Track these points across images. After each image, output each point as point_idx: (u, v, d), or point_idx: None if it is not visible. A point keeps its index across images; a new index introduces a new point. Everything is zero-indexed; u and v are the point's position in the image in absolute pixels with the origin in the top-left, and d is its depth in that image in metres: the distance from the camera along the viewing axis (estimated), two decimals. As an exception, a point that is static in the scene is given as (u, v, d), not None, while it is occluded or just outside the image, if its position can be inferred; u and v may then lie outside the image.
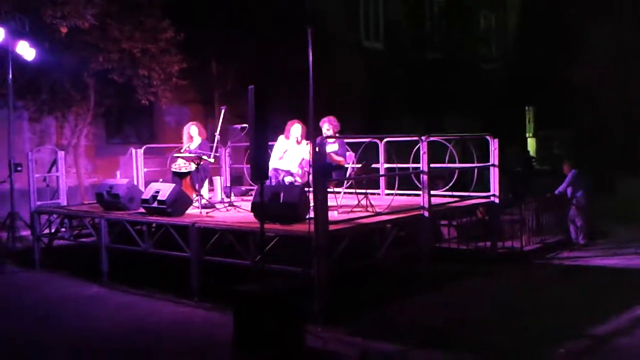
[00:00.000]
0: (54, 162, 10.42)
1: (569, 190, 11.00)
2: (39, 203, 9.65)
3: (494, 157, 9.11)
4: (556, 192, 11.14)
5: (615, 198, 15.14)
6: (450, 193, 9.24)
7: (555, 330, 6.15)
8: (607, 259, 9.70)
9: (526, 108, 22.69)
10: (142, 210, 8.38)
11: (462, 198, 9.16)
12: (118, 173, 11.94)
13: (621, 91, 18.21)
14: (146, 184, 9.62)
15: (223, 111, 9.16)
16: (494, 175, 9.11)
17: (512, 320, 6.58)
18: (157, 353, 5.89)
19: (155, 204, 8.04)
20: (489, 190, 9.17)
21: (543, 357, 5.49)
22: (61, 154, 10.09)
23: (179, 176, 9.27)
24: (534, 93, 20.10)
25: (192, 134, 9.51)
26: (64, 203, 9.83)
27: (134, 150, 10.39)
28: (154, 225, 8.14)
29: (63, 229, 9.51)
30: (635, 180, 15.94)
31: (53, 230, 9.59)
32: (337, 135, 8.66)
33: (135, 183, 9.76)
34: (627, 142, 18.18)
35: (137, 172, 10.25)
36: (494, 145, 9.12)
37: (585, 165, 11.54)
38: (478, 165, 9.41)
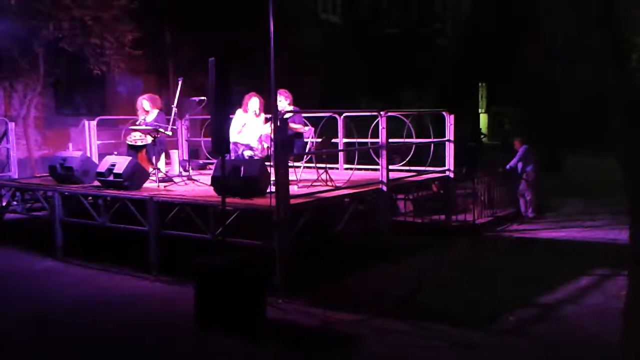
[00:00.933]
0: (4, 134, 10.11)
1: (519, 165, 11.34)
2: (-12, 176, 9.37)
3: (449, 133, 9.30)
4: (507, 167, 11.47)
5: (563, 174, 15.71)
6: (407, 168, 9.40)
7: (505, 299, 6.42)
8: (554, 232, 10.10)
9: (479, 84, 23.11)
10: (96, 183, 8.23)
11: (419, 173, 9.34)
12: (70, 145, 11.62)
13: (571, 71, 18.74)
14: (99, 157, 9.43)
15: (180, 83, 9.01)
16: (449, 150, 9.30)
17: (465, 290, 6.83)
18: (115, 328, 5.85)
19: (111, 178, 7.91)
20: (444, 165, 9.38)
21: (494, 324, 5.73)
22: (11, 125, 9.78)
23: (135, 149, 9.12)
24: (487, 70, 20.48)
25: (145, 108, 9.29)
26: (15, 176, 9.56)
27: (86, 122, 10.13)
28: (109, 198, 8.02)
29: (15, 203, 9.26)
30: (581, 157, 16.55)
31: (4, 204, 9.33)
32: (292, 107, 8.67)
33: (89, 155, 9.55)
34: (575, 121, 18.79)
35: (90, 145, 10.01)
36: (449, 121, 9.30)
37: (535, 142, 11.89)
38: (434, 140, 9.59)
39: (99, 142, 10.11)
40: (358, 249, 8.48)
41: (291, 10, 14.94)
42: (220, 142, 6.17)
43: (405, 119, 9.43)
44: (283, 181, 6.31)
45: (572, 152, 17.26)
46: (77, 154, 8.86)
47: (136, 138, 9.02)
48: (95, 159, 9.57)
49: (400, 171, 9.28)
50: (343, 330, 5.67)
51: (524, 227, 10.52)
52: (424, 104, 16.55)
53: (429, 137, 9.69)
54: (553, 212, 11.74)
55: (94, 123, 10.06)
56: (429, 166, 9.52)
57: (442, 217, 9.69)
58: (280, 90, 8.61)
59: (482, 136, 20.94)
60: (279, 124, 6.35)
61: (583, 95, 17.97)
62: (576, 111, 18.52)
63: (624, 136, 4.14)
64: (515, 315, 5.91)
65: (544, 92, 19.53)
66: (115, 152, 9.22)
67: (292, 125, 8.50)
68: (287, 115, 8.35)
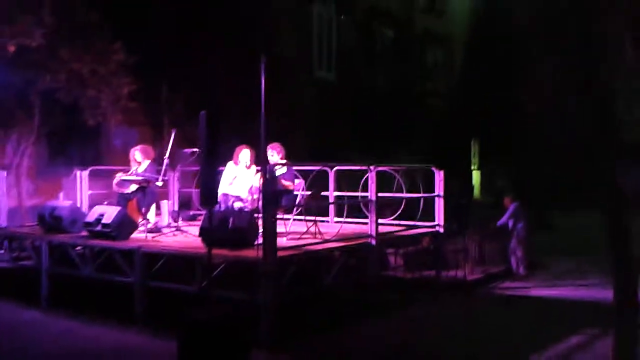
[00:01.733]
0: (-5, 182, 10.10)
1: (510, 223, 11.35)
2: (-23, 224, 9.31)
3: (439, 188, 9.35)
4: (498, 223, 11.47)
5: (555, 231, 15.71)
6: (397, 222, 9.41)
7: (495, 358, 6.30)
8: (546, 290, 10.02)
9: (471, 142, 23.36)
10: (85, 233, 8.19)
11: (409, 227, 9.33)
12: (61, 195, 11.60)
13: (561, 128, 19.02)
14: (90, 207, 9.40)
15: (173, 134, 9.09)
16: (439, 205, 9.33)
17: (454, 348, 6.71)
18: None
19: (99, 227, 7.88)
20: (434, 220, 9.38)
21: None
22: (2, 174, 9.79)
23: (125, 199, 9.13)
24: (479, 126, 20.75)
25: (137, 159, 9.35)
26: (4, 224, 9.51)
27: (78, 172, 10.15)
28: (96, 249, 7.97)
29: (1, 251, 9.18)
30: (572, 215, 16.58)
31: (-9, 252, 9.25)
32: (285, 161, 8.75)
33: (79, 205, 9.53)
34: (565, 178, 18.94)
35: (81, 194, 10.01)
36: (439, 177, 9.37)
37: (526, 199, 11.94)
38: (424, 195, 9.64)
39: (90, 191, 10.11)
40: (347, 302, 8.37)
41: (286, 67, 15.25)
42: (209, 194, 6.18)
43: (395, 174, 9.50)
44: (270, 233, 6.29)
45: (564, 209, 17.31)
46: (67, 203, 8.85)
47: (121, 184, 9.00)
48: (86, 208, 9.55)
49: (390, 225, 9.27)
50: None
51: (515, 285, 10.44)
52: (417, 160, 16.69)
53: (419, 192, 9.74)
54: (544, 270, 11.67)
55: (85, 173, 10.08)
56: (420, 221, 9.52)
57: (433, 272, 9.63)
58: (273, 144, 8.70)
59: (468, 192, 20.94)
60: (268, 177, 6.39)
61: (572, 150, 18.17)
62: (567, 168, 18.67)
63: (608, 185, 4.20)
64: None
65: (534, 149, 19.77)
66: (106, 202, 9.21)
67: (283, 182, 8.55)
68: (278, 173, 8.41)
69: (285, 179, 8.65)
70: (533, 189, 17.20)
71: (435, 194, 9.35)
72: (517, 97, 19.80)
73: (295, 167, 8.97)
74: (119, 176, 9.06)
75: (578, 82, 4.50)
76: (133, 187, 8.87)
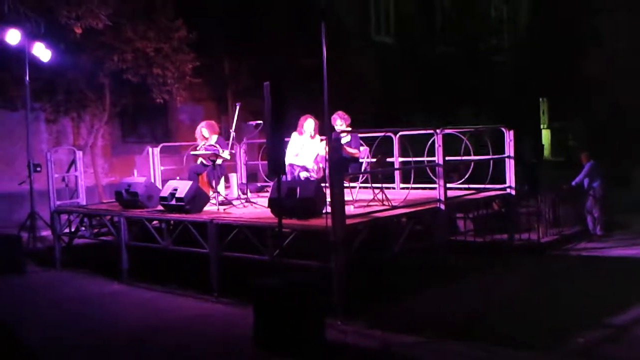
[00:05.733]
0: (72, 162, 10.55)
1: (586, 181, 10.97)
2: (58, 203, 9.77)
3: (509, 149, 9.10)
4: (573, 183, 11.11)
5: (631, 189, 15.07)
6: (466, 186, 9.24)
7: (574, 320, 6.17)
8: (625, 250, 9.67)
9: (540, 100, 22.55)
10: (160, 207, 8.47)
11: (478, 190, 9.15)
12: (135, 171, 12.02)
13: (635, 82, 18.07)
14: (163, 182, 9.70)
15: (237, 108, 9.20)
16: (510, 167, 9.09)
17: (530, 311, 6.60)
18: (179, 349, 5.96)
19: (173, 202, 8.12)
20: (505, 182, 9.16)
21: (562, 346, 5.50)
22: (79, 153, 10.20)
23: (194, 172, 9.36)
24: (547, 84, 19.97)
25: (205, 135, 9.51)
26: (83, 202, 9.95)
27: (150, 149, 10.47)
28: (172, 222, 8.23)
29: (83, 228, 9.62)
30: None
31: (73, 230, 9.71)
32: (350, 128, 8.71)
33: (153, 181, 9.85)
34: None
35: (154, 171, 10.34)
36: (509, 137, 9.11)
37: (601, 157, 11.48)
38: (493, 157, 9.40)
39: (162, 167, 10.43)
40: (417, 269, 8.34)
41: (345, 33, 15.09)
42: (276, 164, 6.24)
43: (462, 136, 9.29)
44: (338, 201, 6.31)
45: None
46: (142, 179, 9.14)
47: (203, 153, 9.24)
48: (158, 184, 9.86)
49: (458, 189, 9.12)
50: (404, 353, 5.58)
51: (592, 246, 10.12)
52: (482, 121, 16.27)
53: (488, 154, 9.50)
54: (622, 229, 11.25)
55: (157, 150, 10.39)
56: (489, 184, 9.31)
57: (505, 236, 9.43)
58: (339, 113, 8.68)
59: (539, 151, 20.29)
60: (333, 145, 6.38)
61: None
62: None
63: None
64: (585, 337, 5.66)
65: (607, 105, 18.88)
66: (178, 177, 9.48)
67: (348, 149, 8.54)
68: (343, 141, 8.40)
69: (351, 147, 8.63)
70: (608, 145, 16.49)
71: (505, 155, 9.10)
72: (586, 52, 18.90)
73: (359, 134, 8.93)
74: (192, 158, 9.25)
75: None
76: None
